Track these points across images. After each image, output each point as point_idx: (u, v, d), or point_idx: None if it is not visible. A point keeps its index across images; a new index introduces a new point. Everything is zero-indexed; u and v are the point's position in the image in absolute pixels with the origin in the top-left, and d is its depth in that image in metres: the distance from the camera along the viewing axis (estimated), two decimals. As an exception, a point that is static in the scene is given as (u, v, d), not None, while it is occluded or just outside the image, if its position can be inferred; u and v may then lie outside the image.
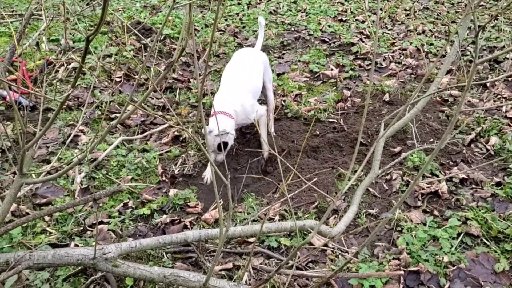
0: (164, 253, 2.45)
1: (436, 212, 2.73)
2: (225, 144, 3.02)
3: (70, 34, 4.70)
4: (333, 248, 2.50)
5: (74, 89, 1.73)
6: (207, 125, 3.11)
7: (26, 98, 3.70)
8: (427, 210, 2.77)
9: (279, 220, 2.71)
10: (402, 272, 2.25)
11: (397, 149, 3.36)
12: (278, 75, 4.59)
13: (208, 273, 1.82)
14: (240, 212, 2.79)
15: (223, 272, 2.35)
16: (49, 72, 4.08)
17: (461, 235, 2.53)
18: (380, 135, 3.16)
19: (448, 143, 3.33)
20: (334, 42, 5.38)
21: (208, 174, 3.20)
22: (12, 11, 5.14)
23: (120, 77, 4.23)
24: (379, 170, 2.88)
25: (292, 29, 5.86)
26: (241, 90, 3.19)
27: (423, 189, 2.92)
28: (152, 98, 4.05)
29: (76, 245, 2.43)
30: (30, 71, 4.04)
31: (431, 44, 5.22)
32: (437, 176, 3.02)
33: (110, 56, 4.52)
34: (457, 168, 3.11)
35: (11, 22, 4.70)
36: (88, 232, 2.59)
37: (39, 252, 1.89)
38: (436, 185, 2.92)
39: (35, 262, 1.86)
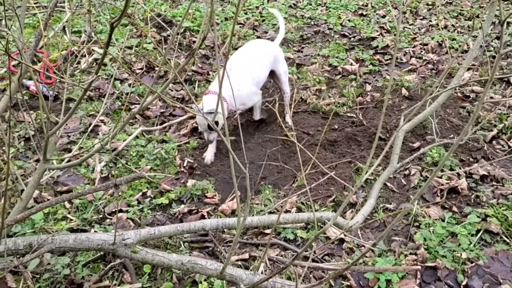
0: (181, 242, 2.49)
1: (455, 208, 2.70)
2: (215, 123, 3.03)
3: (92, 26, 4.76)
4: (350, 240, 2.50)
5: (97, 76, 1.76)
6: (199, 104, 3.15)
7: (48, 88, 3.78)
8: (446, 206, 2.74)
9: (295, 212, 2.71)
10: (419, 267, 2.24)
11: (416, 145, 3.32)
12: (298, 68, 4.58)
13: (225, 262, 1.84)
14: (257, 204, 2.81)
15: (239, 262, 2.37)
16: (71, 63, 4.15)
17: (480, 232, 2.50)
18: (400, 127, 3.13)
19: (468, 139, 3.27)
20: (354, 37, 5.33)
21: (209, 155, 3.23)
22: (36, 3, 5.23)
23: (142, 68, 4.27)
24: (397, 164, 2.85)
25: (312, 23, 5.82)
26: (242, 75, 3.21)
27: (442, 185, 2.88)
28: (172, 90, 4.09)
29: (96, 232, 2.49)
30: (53, 62, 4.11)
31: (453, 39, 5.13)
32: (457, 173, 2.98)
33: (130, 48, 4.57)
34: (477, 164, 3.07)
35: (35, 14, 4.78)
36: (108, 220, 2.64)
37: (61, 236, 1.94)
38: (455, 181, 2.88)
39: (57, 245, 1.91)
